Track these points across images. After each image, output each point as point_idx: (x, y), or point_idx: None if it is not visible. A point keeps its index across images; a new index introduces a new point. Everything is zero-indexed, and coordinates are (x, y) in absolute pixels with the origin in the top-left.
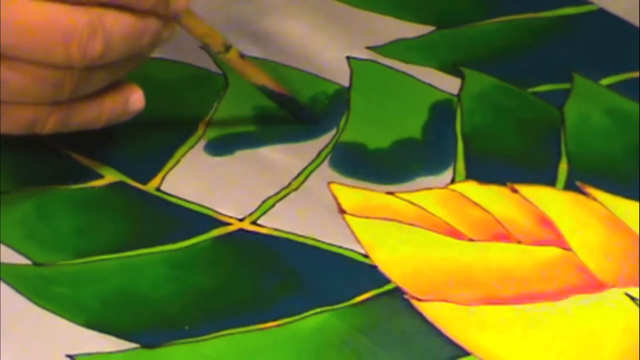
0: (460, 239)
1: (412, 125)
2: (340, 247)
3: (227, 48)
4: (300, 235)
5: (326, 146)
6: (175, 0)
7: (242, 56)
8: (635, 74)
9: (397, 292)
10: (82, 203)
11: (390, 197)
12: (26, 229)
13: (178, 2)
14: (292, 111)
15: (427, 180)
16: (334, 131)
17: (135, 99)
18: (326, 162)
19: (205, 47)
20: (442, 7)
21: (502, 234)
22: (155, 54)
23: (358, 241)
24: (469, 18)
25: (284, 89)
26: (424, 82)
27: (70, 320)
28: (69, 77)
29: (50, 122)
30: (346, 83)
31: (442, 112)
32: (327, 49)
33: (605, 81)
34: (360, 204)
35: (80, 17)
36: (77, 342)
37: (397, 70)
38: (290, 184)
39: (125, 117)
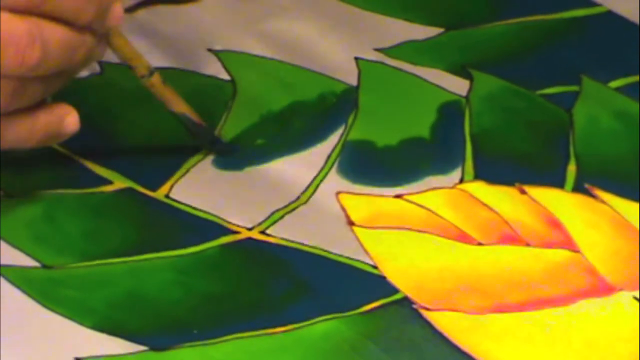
0: (469, 243)
1: (421, 125)
2: (349, 258)
3: (151, 73)
4: (309, 246)
5: (335, 147)
6: (110, 17)
7: (164, 82)
8: None
9: (406, 301)
10: (91, 207)
11: (398, 201)
12: (35, 232)
13: (112, 19)
14: (206, 142)
15: (436, 180)
16: (342, 129)
17: (70, 120)
18: (335, 167)
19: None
20: (451, 9)
21: (511, 236)
22: (164, 62)
23: (367, 253)
24: (477, 20)
25: (201, 119)
26: (432, 84)
27: (79, 322)
28: (4, 87)
29: None
30: (354, 83)
31: (450, 113)
32: (335, 50)
33: (614, 84)
34: (368, 214)
35: (19, 24)
36: (86, 344)
37: (406, 72)
38: (299, 197)
39: (59, 139)
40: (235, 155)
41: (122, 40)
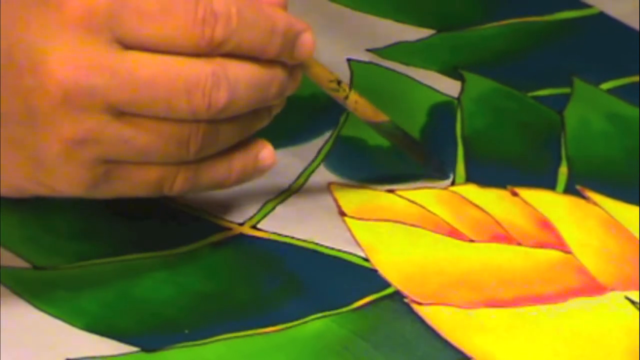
0: (460, 239)
1: (411, 128)
2: (340, 250)
3: (350, 89)
4: (300, 240)
5: (326, 142)
6: (299, 47)
7: (360, 94)
8: (636, 79)
9: (397, 296)
10: (82, 207)
11: (390, 195)
12: (26, 233)
13: (303, 49)
14: (416, 151)
15: (427, 183)
16: (334, 127)
17: (266, 154)
18: (326, 161)
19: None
20: (443, 11)
21: (502, 236)
22: None
23: (358, 244)
24: (469, 22)
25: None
26: (424, 84)
27: (70, 323)
28: (195, 133)
29: (178, 182)
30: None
31: (441, 114)
32: (327, 50)
33: (606, 85)
34: (360, 206)
35: (202, 67)
36: (77, 345)
37: (397, 72)
38: (290, 186)
39: (255, 176)
40: None
41: (320, 68)
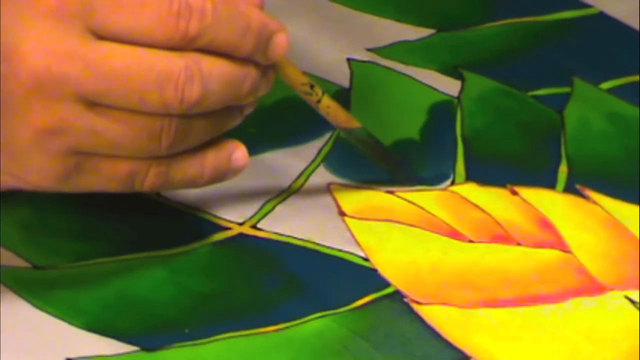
0: (460, 240)
1: (411, 127)
2: (340, 250)
3: (323, 93)
4: (300, 239)
5: (326, 143)
6: (273, 47)
7: (333, 98)
8: (635, 78)
9: (397, 295)
10: (82, 207)
11: (390, 196)
12: (26, 233)
13: (277, 49)
14: (385, 156)
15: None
16: (333, 129)
17: (239, 155)
18: (326, 161)
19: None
20: (443, 10)
21: (502, 236)
22: None
23: (358, 244)
24: (469, 21)
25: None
26: (423, 84)
27: (70, 323)
28: (167, 127)
29: (150, 178)
30: (346, 84)
31: (441, 113)
32: (327, 50)
33: (605, 85)
34: (360, 206)
35: (175, 61)
36: (77, 345)
37: (397, 71)
38: (290, 186)
39: (228, 176)
40: None
41: (292, 69)
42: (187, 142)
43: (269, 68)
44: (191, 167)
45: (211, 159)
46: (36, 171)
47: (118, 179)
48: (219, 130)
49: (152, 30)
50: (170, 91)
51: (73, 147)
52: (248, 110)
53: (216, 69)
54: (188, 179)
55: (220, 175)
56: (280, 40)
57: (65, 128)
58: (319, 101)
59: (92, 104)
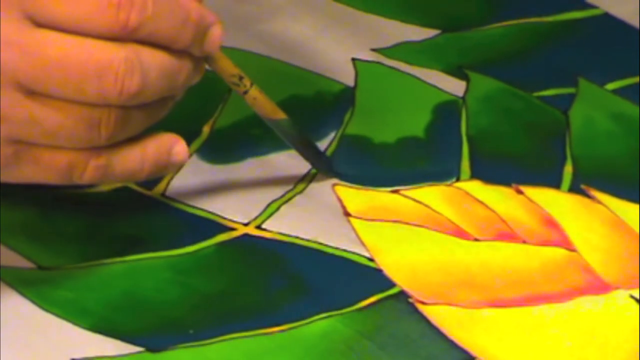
0: (465, 238)
1: (416, 125)
2: (345, 250)
3: (251, 84)
4: (305, 239)
5: (331, 142)
6: (209, 39)
7: (261, 90)
8: None
9: (402, 295)
10: (87, 207)
11: (395, 195)
12: (31, 233)
13: (212, 42)
14: (306, 147)
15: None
16: (338, 127)
17: (179, 149)
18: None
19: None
20: (448, 11)
21: (507, 234)
22: None
23: (363, 244)
24: (474, 22)
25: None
26: (428, 84)
27: (75, 324)
28: (106, 117)
29: (90, 170)
30: (351, 83)
31: (446, 113)
32: (332, 50)
33: (610, 86)
34: (365, 206)
35: (115, 52)
36: (82, 345)
37: (402, 72)
38: (295, 186)
39: (168, 169)
40: (232, 145)
41: (226, 61)
42: (126, 132)
43: (201, 59)
44: (131, 160)
45: (151, 153)
46: None
47: (57, 170)
48: (154, 119)
49: (92, 20)
50: (110, 82)
51: (11, 136)
52: (177, 99)
53: (155, 60)
54: (128, 172)
55: (161, 169)
56: (215, 33)
57: (3, 116)
58: (246, 92)
59: (31, 92)
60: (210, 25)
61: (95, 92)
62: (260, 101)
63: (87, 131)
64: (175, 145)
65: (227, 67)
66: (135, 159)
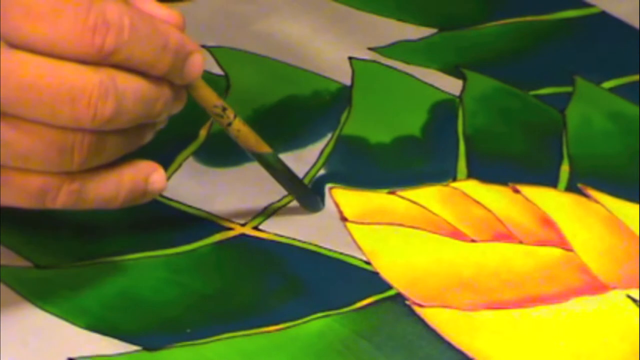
0: (462, 240)
1: (413, 125)
2: (342, 253)
3: (235, 116)
4: (302, 241)
5: (327, 144)
6: (189, 67)
7: (244, 122)
8: (637, 77)
9: (399, 298)
10: None
11: (391, 197)
12: (28, 232)
13: (192, 70)
14: (293, 183)
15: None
16: (335, 127)
17: (157, 178)
18: (328, 163)
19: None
20: (445, 10)
21: (504, 234)
22: None
23: (360, 249)
24: (471, 21)
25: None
26: (425, 83)
27: (72, 322)
28: (79, 143)
29: (62, 195)
30: (348, 82)
31: (443, 112)
32: (329, 49)
33: (607, 84)
34: (361, 209)
35: (90, 76)
36: (79, 344)
37: (399, 70)
38: None
39: (145, 198)
40: (228, 150)
41: (207, 91)
42: (100, 158)
43: (182, 88)
44: (107, 187)
45: (128, 180)
46: None
47: (28, 194)
48: (132, 146)
49: (66, 43)
50: (83, 106)
51: None
52: (159, 127)
53: (131, 86)
54: (103, 199)
55: (137, 197)
56: (196, 61)
57: None
58: (229, 124)
59: (2, 113)
60: (191, 53)
61: (68, 116)
62: (244, 134)
63: (59, 155)
64: (153, 174)
65: (209, 97)
66: (111, 186)
